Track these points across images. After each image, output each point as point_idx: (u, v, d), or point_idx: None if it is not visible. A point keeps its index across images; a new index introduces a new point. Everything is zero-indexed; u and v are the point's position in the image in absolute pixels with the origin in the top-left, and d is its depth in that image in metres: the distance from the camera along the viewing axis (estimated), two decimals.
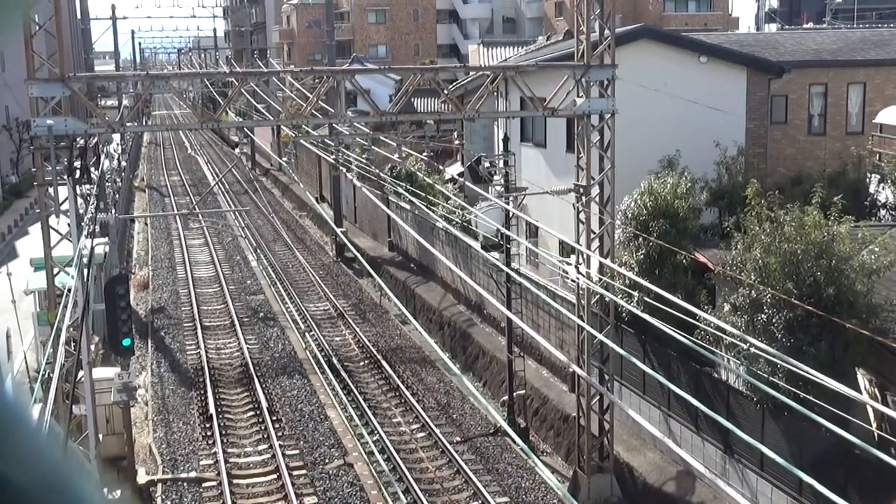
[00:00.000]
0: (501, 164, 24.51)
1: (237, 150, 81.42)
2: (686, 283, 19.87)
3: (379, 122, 21.78)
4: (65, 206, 17.77)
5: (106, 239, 23.07)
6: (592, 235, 19.52)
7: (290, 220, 54.43)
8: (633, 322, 19.36)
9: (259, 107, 39.74)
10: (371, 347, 30.27)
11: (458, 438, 23.74)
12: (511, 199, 23.16)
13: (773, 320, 16.23)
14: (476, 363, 28.82)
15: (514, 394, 24.45)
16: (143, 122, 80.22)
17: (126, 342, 18.79)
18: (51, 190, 17.74)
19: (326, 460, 22.46)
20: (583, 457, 20.20)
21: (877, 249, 16.74)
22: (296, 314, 33.97)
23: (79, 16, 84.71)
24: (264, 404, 25.34)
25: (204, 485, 21.41)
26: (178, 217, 50.41)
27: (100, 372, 20.31)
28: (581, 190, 19.50)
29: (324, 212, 45.84)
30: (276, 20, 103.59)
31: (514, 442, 22.07)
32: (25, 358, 23.58)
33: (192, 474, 21.86)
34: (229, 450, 23.03)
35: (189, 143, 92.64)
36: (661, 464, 20.21)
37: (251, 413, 25.41)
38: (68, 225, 17.56)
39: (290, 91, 37.34)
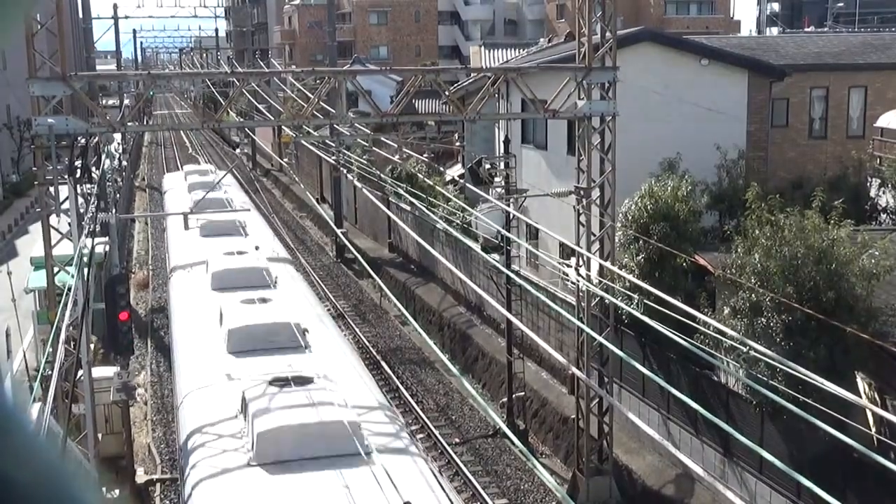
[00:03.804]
0: (502, 165, 24.51)
1: (238, 151, 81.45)
2: (686, 286, 19.87)
3: (380, 123, 21.78)
4: (65, 206, 17.76)
5: (106, 238, 23.05)
6: (593, 238, 19.51)
7: (290, 220, 54.42)
8: (633, 324, 19.36)
9: (260, 107, 39.75)
10: (371, 348, 30.26)
11: (458, 440, 23.74)
12: (511, 200, 23.16)
13: (773, 324, 16.23)
14: (475, 365, 28.81)
15: (514, 395, 24.44)
16: (145, 122, 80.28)
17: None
18: (51, 189, 17.72)
19: None
20: (582, 459, 20.20)
21: (877, 254, 16.74)
22: None
23: (80, 15, 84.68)
24: None
25: None
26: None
27: (99, 371, 20.30)
28: (581, 192, 19.50)
29: (324, 212, 45.82)
30: (278, 21, 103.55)
31: (513, 444, 22.06)
32: (25, 357, 23.58)
33: None
34: None
35: (190, 142, 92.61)
36: (660, 466, 20.21)
37: None
38: (69, 224, 17.55)
39: (291, 92, 37.40)
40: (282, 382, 13.89)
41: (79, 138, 18.46)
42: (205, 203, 24.28)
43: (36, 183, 19.09)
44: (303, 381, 13.99)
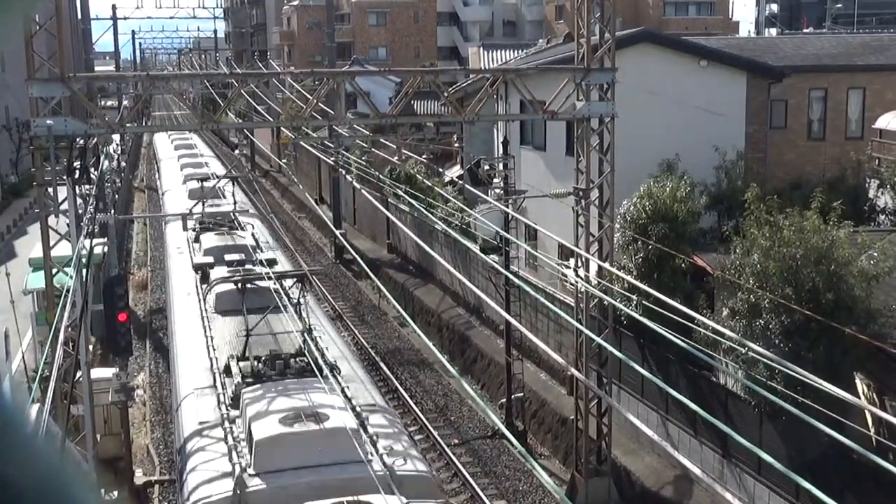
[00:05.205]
0: (501, 166, 24.50)
1: (237, 152, 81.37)
2: (685, 287, 19.86)
3: (379, 124, 21.78)
4: (64, 207, 17.75)
5: (105, 239, 23.06)
6: (591, 239, 19.52)
7: (289, 221, 54.38)
8: (632, 325, 19.35)
9: (259, 108, 39.69)
10: (369, 349, 30.23)
11: (456, 441, 23.73)
12: (510, 201, 23.16)
13: (772, 325, 16.23)
14: (474, 366, 28.81)
15: (513, 396, 24.43)
16: (143, 123, 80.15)
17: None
18: (50, 190, 17.71)
19: None
20: (580, 460, 20.20)
21: (876, 255, 16.75)
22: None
23: (79, 16, 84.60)
24: None
25: None
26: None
27: (98, 372, 20.28)
28: (580, 193, 19.50)
29: (323, 213, 45.78)
30: (277, 21, 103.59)
31: (512, 445, 22.04)
32: (24, 358, 23.57)
33: None
34: None
35: None
36: (659, 467, 20.20)
37: None
38: (67, 225, 17.54)
39: (289, 93, 37.35)
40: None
41: (77, 139, 18.44)
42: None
43: (34, 184, 19.09)
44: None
